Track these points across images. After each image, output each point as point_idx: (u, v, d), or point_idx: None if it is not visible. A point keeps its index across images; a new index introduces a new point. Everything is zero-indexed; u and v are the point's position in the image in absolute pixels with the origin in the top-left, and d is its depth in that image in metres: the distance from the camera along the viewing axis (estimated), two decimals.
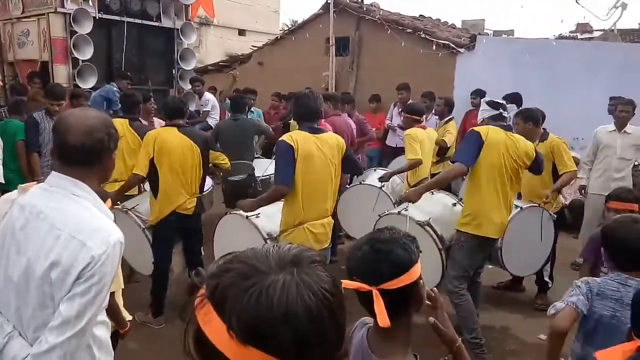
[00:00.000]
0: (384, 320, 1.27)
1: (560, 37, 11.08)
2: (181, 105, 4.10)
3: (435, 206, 4.13)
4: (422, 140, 4.78)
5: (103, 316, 1.70)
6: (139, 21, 7.61)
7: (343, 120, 5.45)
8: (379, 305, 1.28)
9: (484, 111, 3.75)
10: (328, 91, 8.21)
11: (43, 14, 6.92)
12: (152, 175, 3.79)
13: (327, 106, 5.02)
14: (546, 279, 4.55)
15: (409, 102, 6.39)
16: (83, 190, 1.58)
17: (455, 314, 3.55)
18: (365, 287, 1.32)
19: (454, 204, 4.17)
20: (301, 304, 0.70)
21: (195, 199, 3.97)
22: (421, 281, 1.39)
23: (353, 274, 1.37)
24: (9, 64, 7.66)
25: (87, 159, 1.59)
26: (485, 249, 3.68)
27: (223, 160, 4.40)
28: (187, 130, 3.98)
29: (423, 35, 8.49)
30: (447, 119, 6.30)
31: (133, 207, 4.06)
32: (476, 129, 3.58)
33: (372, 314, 1.37)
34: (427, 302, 1.44)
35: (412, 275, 1.36)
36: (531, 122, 4.12)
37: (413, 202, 3.65)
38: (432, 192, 4.35)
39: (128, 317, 2.42)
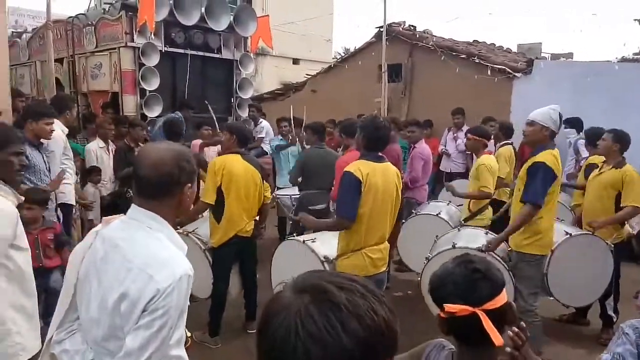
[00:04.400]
0: (498, 339, 1.29)
1: (623, 60, 10.65)
2: (249, 135, 4.38)
3: (476, 238, 4.08)
4: (494, 172, 4.71)
5: (179, 351, 1.65)
6: (201, 53, 8.06)
7: (395, 149, 5.46)
8: (489, 325, 1.29)
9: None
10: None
11: (114, 48, 7.46)
12: (217, 201, 3.92)
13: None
14: (610, 312, 4.32)
15: (476, 125, 6.31)
16: (158, 223, 1.59)
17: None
18: (468, 309, 1.32)
19: (486, 233, 4.18)
20: None
21: (253, 222, 4.11)
22: (513, 303, 1.42)
23: (450, 297, 1.37)
24: (82, 94, 8.24)
25: (156, 192, 1.59)
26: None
27: (267, 195, 4.30)
28: (248, 157, 4.15)
29: (477, 61, 8.44)
30: (502, 143, 6.17)
31: (193, 230, 4.23)
32: (549, 164, 3.43)
33: (461, 338, 1.39)
34: (512, 332, 1.41)
35: (503, 296, 1.37)
36: (619, 144, 4.26)
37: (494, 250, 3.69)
38: (458, 229, 4.46)
39: (187, 334, 2.51)
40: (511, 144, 6.17)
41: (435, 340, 1.54)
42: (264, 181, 4.22)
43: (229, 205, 3.91)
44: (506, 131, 6.28)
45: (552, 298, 4.17)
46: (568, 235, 4.00)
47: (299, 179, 5.41)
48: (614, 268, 4.11)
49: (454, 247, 3.86)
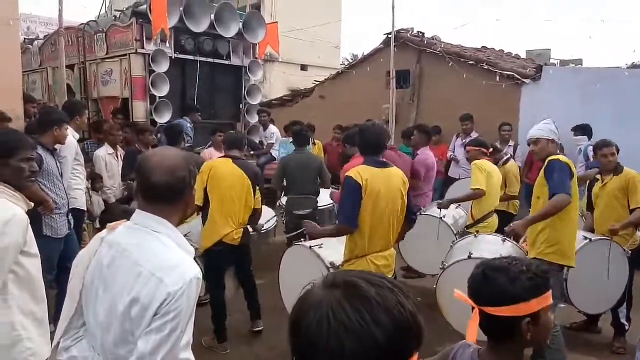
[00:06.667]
0: (470, 335, 1.38)
1: (633, 66, 10.59)
2: (239, 138, 4.30)
3: (493, 246, 4.02)
4: (489, 172, 4.71)
5: (188, 354, 1.65)
6: (211, 60, 8.11)
7: (397, 156, 5.44)
8: (473, 323, 1.37)
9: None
10: (388, 123, 8.30)
11: (125, 55, 7.52)
12: (204, 204, 3.94)
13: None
14: (622, 320, 4.27)
15: (475, 137, 6.25)
16: (165, 227, 1.61)
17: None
18: (470, 302, 1.41)
19: (503, 240, 4.09)
20: None
21: (242, 229, 4.05)
22: (527, 319, 1.35)
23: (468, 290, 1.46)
24: (93, 100, 8.31)
25: (170, 196, 1.62)
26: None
27: (257, 202, 4.21)
28: (241, 162, 4.10)
29: (486, 67, 8.42)
30: (505, 159, 5.66)
31: (186, 235, 4.19)
32: (562, 160, 3.55)
33: (489, 335, 1.46)
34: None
35: (516, 310, 1.34)
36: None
37: (521, 236, 3.71)
38: (474, 235, 4.38)
39: None
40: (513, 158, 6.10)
41: (462, 341, 1.57)
42: (256, 187, 4.14)
43: (212, 207, 3.91)
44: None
45: (563, 305, 4.13)
46: (587, 240, 3.98)
47: (283, 184, 5.53)
48: (628, 275, 4.08)
49: (469, 257, 3.78)
